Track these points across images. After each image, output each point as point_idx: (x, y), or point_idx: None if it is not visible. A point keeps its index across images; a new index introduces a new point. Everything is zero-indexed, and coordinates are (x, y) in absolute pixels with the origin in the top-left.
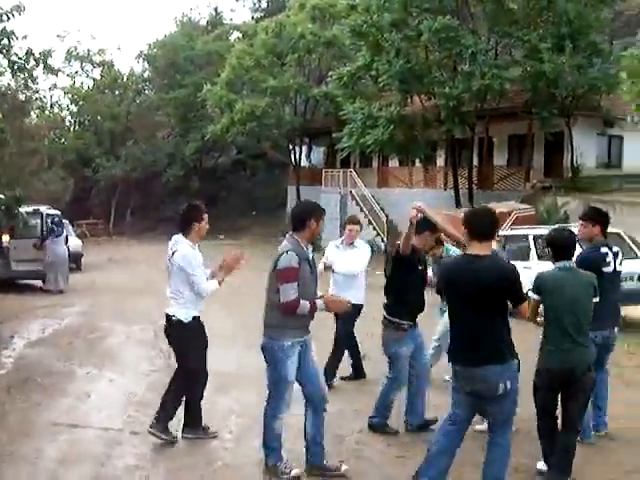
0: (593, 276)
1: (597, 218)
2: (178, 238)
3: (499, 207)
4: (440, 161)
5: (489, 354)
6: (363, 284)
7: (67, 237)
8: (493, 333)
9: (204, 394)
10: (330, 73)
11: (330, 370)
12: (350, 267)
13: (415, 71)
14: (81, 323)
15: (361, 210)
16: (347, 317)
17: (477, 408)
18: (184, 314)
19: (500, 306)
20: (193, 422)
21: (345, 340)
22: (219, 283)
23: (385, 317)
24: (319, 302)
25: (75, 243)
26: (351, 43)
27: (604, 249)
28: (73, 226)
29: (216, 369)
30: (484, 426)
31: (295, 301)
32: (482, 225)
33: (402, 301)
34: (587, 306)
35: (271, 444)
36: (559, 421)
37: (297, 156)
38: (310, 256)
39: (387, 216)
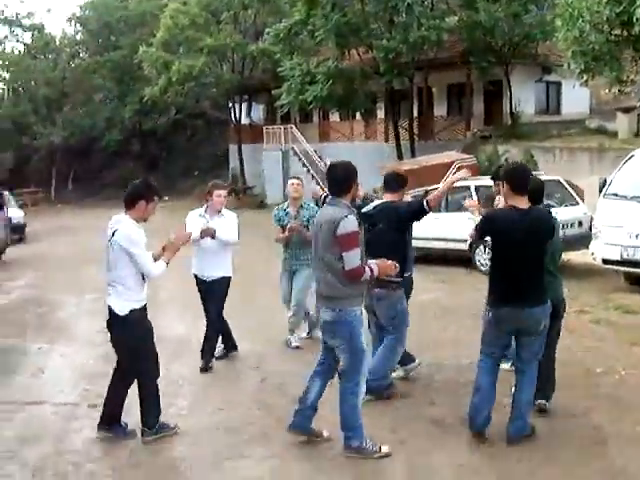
0: None
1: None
2: (120, 217)
3: (440, 158)
4: (380, 113)
5: (538, 295)
6: (230, 256)
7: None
8: (540, 277)
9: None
10: (267, 30)
11: (207, 354)
12: (230, 235)
13: (352, 24)
14: (29, 297)
15: (303, 165)
16: (219, 292)
17: (509, 346)
18: (121, 306)
19: (544, 252)
20: (152, 420)
21: (217, 321)
22: (166, 263)
23: (385, 279)
24: (373, 266)
25: (17, 214)
26: None
27: None
28: (14, 196)
29: (169, 335)
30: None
31: (361, 267)
32: (522, 180)
33: (406, 258)
34: None
35: (355, 424)
36: None
37: (237, 114)
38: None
39: None
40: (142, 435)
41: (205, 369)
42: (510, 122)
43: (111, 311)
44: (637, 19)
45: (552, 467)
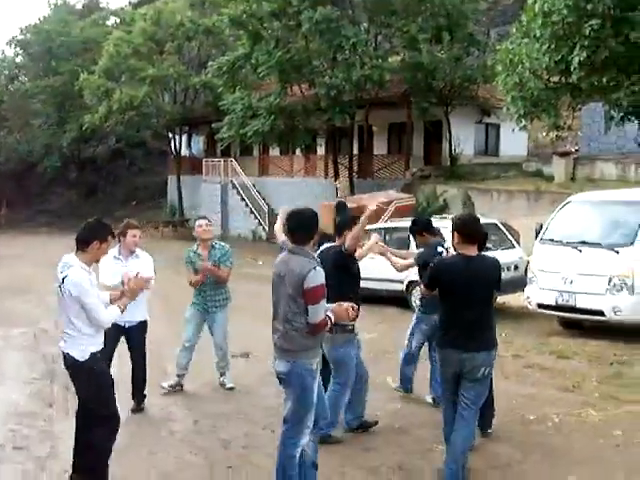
0: None
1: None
2: (69, 259)
3: (378, 197)
4: (321, 150)
5: (484, 341)
6: (146, 297)
7: None
8: (488, 322)
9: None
10: (210, 62)
11: (139, 393)
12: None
13: (294, 61)
14: None
15: (242, 199)
16: (140, 337)
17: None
18: (79, 352)
19: (491, 297)
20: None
21: (145, 363)
22: (121, 310)
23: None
24: (330, 314)
25: None
26: (231, 32)
27: (439, 248)
28: None
29: None
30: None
31: (325, 320)
32: (473, 230)
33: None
34: None
35: (290, 472)
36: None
37: (177, 145)
38: None
39: (268, 205)
40: None
41: (137, 410)
42: (449, 162)
43: (70, 359)
44: (575, 68)
45: None
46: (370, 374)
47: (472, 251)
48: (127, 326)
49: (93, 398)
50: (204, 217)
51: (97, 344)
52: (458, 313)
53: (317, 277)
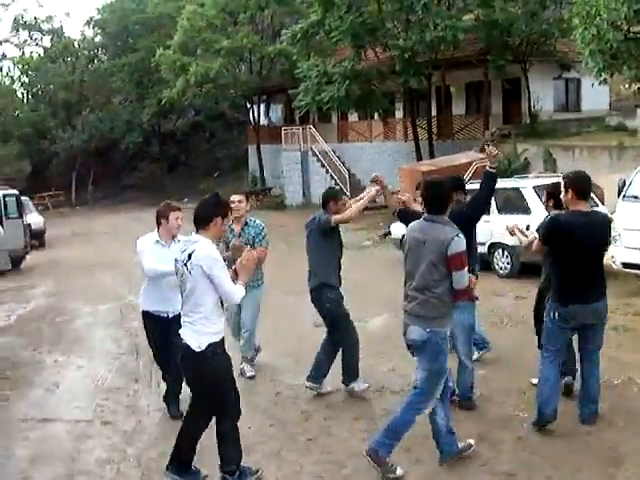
0: None
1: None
2: (192, 237)
3: (459, 158)
4: (399, 113)
5: (600, 291)
6: None
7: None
8: (601, 274)
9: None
10: (283, 31)
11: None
12: None
13: (367, 25)
14: (47, 306)
15: (322, 166)
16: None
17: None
18: (198, 341)
19: (604, 251)
20: (180, 460)
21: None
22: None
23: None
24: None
25: (36, 220)
26: None
27: None
28: (33, 201)
29: None
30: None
31: (467, 287)
32: (587, 186)
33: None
34: None
35: (397, 436)
36: None
37: (256, 115)
38: None
39: (349, 170)
40: None
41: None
42: (529, 120)
43: (186, 347)
44: None
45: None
46: None
47: (586, 207)
48: (169, 316)
49: (205, 390)
50: (239, 193)
51: (217, 332)
52: (578, 267)
53: (460, 244)
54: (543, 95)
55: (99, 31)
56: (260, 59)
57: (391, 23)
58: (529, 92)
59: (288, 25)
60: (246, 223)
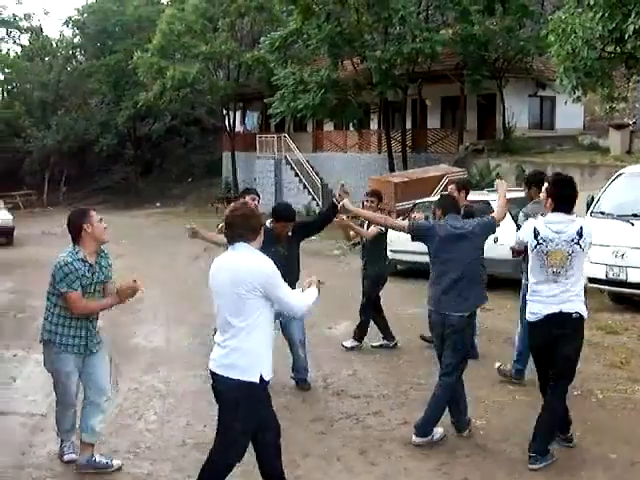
0: None
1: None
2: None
3: (431, 171)
4: (374, 125)
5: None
6: None
7: None
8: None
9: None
10: (262, 38)
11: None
12: None
13: (345, 35)
14: (10, 302)
15: (296, 175)
16: None
17: None
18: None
19: None
20: None
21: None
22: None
23: None
24: None
25: (5, 217)
26: (282, 7)
27: None
28: (4, 199)
29: (144, 345)
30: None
31: None
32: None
33: None
34: None
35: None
36: None
37: (231, 122)
38: None
39: (322, 180)
40: None
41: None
42: (503, 136)
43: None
44: (629, 36)
45: None
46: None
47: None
48: None
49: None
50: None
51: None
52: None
53: None
54: (518, 112)
55: (78, 31)
56: (238, 66)
57: (369, 34)
58: (504, 108)
59: (267, 33)
60: None
